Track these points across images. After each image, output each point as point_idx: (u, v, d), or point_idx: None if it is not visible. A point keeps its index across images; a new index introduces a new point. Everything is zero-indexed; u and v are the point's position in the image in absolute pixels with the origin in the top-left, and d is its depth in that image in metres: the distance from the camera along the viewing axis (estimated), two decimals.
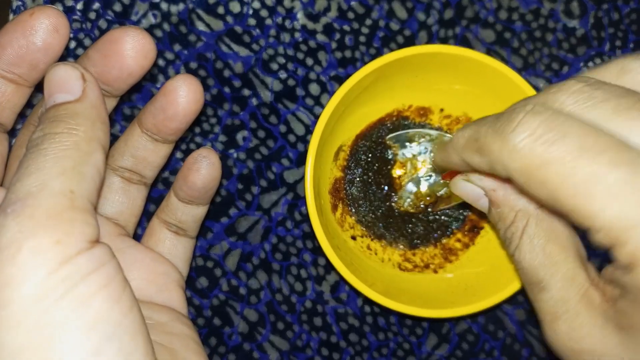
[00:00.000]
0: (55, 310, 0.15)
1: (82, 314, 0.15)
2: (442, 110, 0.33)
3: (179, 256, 0.28)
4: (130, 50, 0.22)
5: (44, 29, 0.20)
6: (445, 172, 0.29)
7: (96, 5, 0.34)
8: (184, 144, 0.34)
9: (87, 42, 0.34)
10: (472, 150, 0.20)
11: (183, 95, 0.24)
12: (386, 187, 0.33)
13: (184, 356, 0.23)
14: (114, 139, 0.34)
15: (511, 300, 0.35)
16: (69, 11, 0.34)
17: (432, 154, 0.33)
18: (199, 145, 0.34)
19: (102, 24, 0.34)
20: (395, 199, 0.33)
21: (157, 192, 0.34)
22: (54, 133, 0.18)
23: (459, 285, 0.31)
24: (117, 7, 0.34)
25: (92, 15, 0.34)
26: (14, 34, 0.20)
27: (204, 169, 0.26)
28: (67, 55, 0.34)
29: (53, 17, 0.21)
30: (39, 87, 0.22)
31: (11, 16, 0.33)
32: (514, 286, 0.28)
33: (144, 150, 0.26)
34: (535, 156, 0.17)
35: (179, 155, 0.34)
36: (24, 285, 0.15)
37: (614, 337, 0.18)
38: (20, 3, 0.33)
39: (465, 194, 0.23)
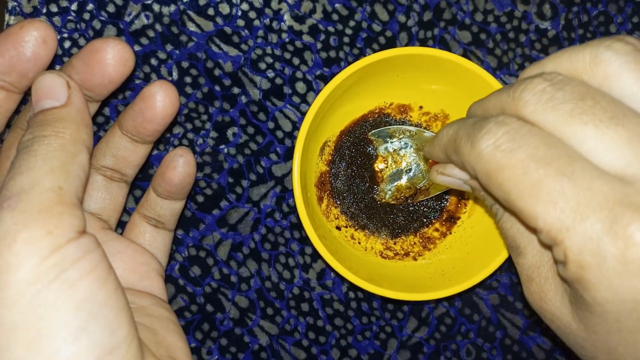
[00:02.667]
0: (46, 292, 0.17)
1: (70, 295, 0.17)
2: (421, 107, 0.35)
3: (158, 247, 0.30)
4: (111, 59, 0.24)
5: (33, 41, 0.22)
6: (430, 161, 0.31)
7: (90, 6, 0.35)
8: (177, 140, 0.36)
9: (81, 41, 0.35)
10: (451, 149, 0.22)
11: (160, 100, 0.26)
12: (369, 180, 0.35)
13: (164, 335, 0.25)
14: None
15: (485, 285, 0.37)
16: (63, 12, 0.35)
17: (412, 148, 0.35)
18: (191, 142, 0.36)
19: (96, 24, 0.35)
20: (378, 192, 0.35)
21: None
22: (42, 136, 0.19)
23: (436, 271, 0.33)
24: (111, 8, 0.35)
25: (86, 16, 0.35)
26: (5, 45, 0.22)
27: (180, 166, 0.28)
28: (62, 55, 0.35)
29: (42, 29, 0.22)
30: (27, 93, 0.24)
31: (7, 16, 0.34)
32: (487, 271, 0.30)
33: (125, 150, 0.28)
34: (494, 161, 0.19)
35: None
36: (19, 270, 0.17)
37: (567, 306, 0.21)
38: (15, 4, 0.35)
39: (448, 183, 0.25)
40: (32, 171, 0.18)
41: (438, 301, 0.37)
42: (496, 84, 0.30)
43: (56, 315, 0.17)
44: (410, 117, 0.35)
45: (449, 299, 0.37)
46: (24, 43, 0.22)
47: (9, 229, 0.17)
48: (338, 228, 0.35)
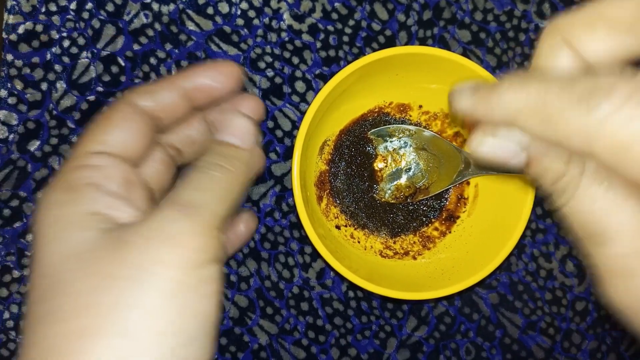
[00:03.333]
0: (182, 297, 0.20)
1: (199, 306, 0.20)
2: (420, 106, 0.35)
3: None
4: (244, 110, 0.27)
5: (226, 76, 0.26)
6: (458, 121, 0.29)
7: (89, 5, 0.35)
8: None
9: (80, 41, 0.35)
10: (534, 117, 0.16)
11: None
12: (368, 180, 0.35)
13: None
14: None
15: (485, 284, 0.37)
16: (62, 11, 0.35)
17: (412, 147, 0.35)
18: None
19: (95, 23, 0.35)
20: (377, 191, 0.35)
21: None
22: (223, 167, 0.23)
23: (436, 270, 0.33)
24: (110, 7, 0.35)
25: (86, 15, 0.35)
26: (209, 70, 0.26)
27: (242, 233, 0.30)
28: (61, 54, 0.35)
29: (237, 71, 0.26)
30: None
31: (6, 15, 0.34)
32: (486, 270, 0.30)
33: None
34: (632, 132, 0.14)
35: None
36: (169, 269, 0.20)
37: None
38: (14, 2, 0.34)
39: (494, 154, 0.19)
40: (209, 193, 0.22)
41: (437, 300, 0.37)
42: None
43: (180, 319, 0.20)
44: (410, 116, 0.35)
45: (449, 298, 0.37)
46: (219, 75, 0.26)
47: (178, 230, 0.20)
48: (338, 227, 0.35)
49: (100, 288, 0.19)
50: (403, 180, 0.35)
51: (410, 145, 0.35)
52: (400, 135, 0.35)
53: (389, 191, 0.35)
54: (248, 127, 0.25)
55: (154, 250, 0.20)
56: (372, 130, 0.35)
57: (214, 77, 0.26)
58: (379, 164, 0.35)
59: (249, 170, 0.24)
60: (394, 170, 0.35)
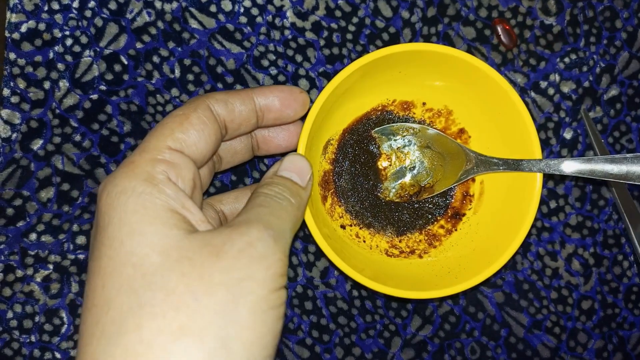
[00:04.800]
0: (261, 315, 0.21)
1: (276, 324, 0.21)
2: (424, 104, 0.35)
3: None
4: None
5: (300, 106, 0.29)
6: None
7: (92, 4, 0.35)
8: None
9: (83, 39, 0.35)
10: None
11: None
12: (373, 179, 0.35)
13: None
14: (110, 133, 0.35)
15: (490, 283, 0.37)
16: (65, 9, 0.35)
17: (416, 145, 0.35)
18: None
19: (98, 21, 0.35)
20: (381, 190, 0.35)
21: None
22: (291, 201, 0.25)
23: (442, 269, 0.33)
24: (112, 5, 0.35)
25: (88, 13, 0.35)
26: (285, 93, 0.28)
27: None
28: (64, 52, 0.35)
29: (307, 102, 0.29)
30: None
31: (9, 14, 0.34)
32: (493, 268, 0.30)
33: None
34: None
35: None
36: (263, 288, 0.21)
37: None
38: (17, 1, 0.34)
39: None
40: (284, 221, 0.23)
41: (443, 299, 0.37)
42: (501, 80, 0.30)
43: (266, 335, 0.21)
44: (414, 113, 0.35)
45: (454, 297, 0.37)
46: (293, 103, 0.29)
47: (267, 252, 0.21)
48: (343, 227, 0.35)
49: (198, 290, 0.20)
50: (407, 178, 0.35)
51: (415, 144, 0.35)
52: (404, 134, 0.35)
53: (394, 190, 0.35)
54: (307, 169, 0.27)
55: (247, 265, 0.21)
56: (376, 129, 0.34)
57: (289, 103, 0.28)
58: (383, 163, 0.35)
59: (305, 206, 0.26)
60: (398, 168, 0.35)
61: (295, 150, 0.30)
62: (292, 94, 0.28)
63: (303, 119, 0.30)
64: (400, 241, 0.35)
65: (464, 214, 0.35)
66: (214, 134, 0.25)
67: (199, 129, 0.24)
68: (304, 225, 0.36)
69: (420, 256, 0.34)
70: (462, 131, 0.35)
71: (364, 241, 0.35)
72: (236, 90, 0.27)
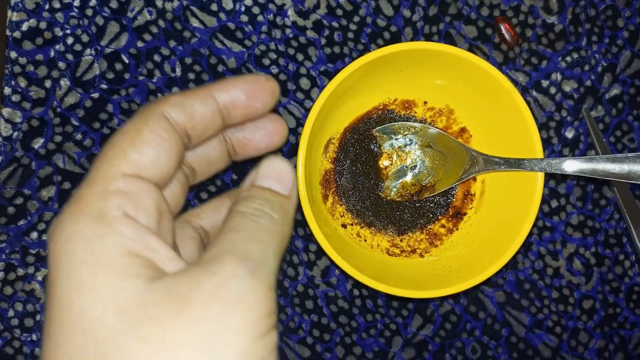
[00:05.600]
0: None
1: None
2: (425, 103, 0.35)
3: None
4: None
5: (268, 94, 0.24)
6: None
7: (93, 2, 0.35)
8: None
9: (84, 38, 0.35)
10: None
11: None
12: (374, 178, 0.35)
13: None
14: (111, 131, 0.35)
15: (491, 282, 0.37)
16: (66, 8, 0.35)
17: (417, 144, 0.35)
18: None
19: (99, 20, 0.35)
20: (382, 189, 0.35)
21: None
22: (273, 217, 0.20)
23: (443, 268, 0.33)
24: (114, 4, 0.35)
25: (89, 12, 0.35)
26: (248, 84, 0.23)
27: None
28: (65, 51, 0.35)
29: (277, 88, 0.24)
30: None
31: (10, 12, 0.34)
32: (494, 268, 0.30)
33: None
34: None
35: None
36: (244, 338, 0.17)
37: None
38: (18, 0, 0.34)
39: None
40: (264, 245, 0.19)
41: (444, 298, 0.37)
42: (502, 79, 0.30)
43: None
44: (415, 112, 0.35)
45: (455, 296, 0.37)
46: (260, 93, 0.24)
47: (244, 291, 0.17)
48: (344, 226, 0.35)
49: (164, 357, 0.16)
50: (409, 178, 0.35)
51: (416, 143, 0.35)
52: (406, 133, 0.34)
53: (395, 189, 0.35)
54: (289, 173, 0.23)
55: (221, 312, 0.17)
56: (377, 128, 0.34)
57: (256, 95, 0.23)
58: (384, 162, 0.35)
59: (292, 219, 0.22)
60: (399, 167, 0.35)
61: (278, 152, 0.28)
62: (258, 83, 0.24)
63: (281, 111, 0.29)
64: (401, 240, 0.35)
65: (465, 213, 0.35)
66: (174, 146, 0.21)
67: (156, 145, 0.20)
68: (305, 224, 0.36)
69: (421, 255, 0.34)
70: (463, 130, 0.35)
71: (365, 240, 0.35)
72: (193, 90, 0.23)
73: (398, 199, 0.35)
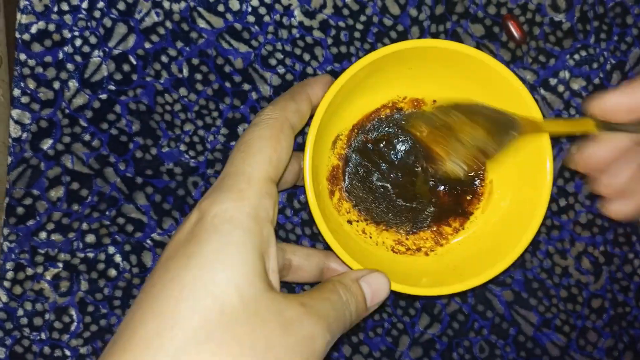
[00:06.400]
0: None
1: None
2: (434, 101, 0.35)
3: None
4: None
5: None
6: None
7: (101, 4, 0.35)
8: (187, 137, 0.36)
9: (92, 39, 0.35)
10: None
11: None
12: (382, 175, 0.35)
13: None
14: (119, 132, 0.36)
15: (499, 281, 0.37)
16: (74, 10, 0.35)
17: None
18: (201, 139, 0.36)
19: (107, 22, 0.35)
20: (389, 188, 0.35)
21: (163, 183, 0.35)
22: (351, 312, 0.25)
23: (448, 267, 0.33)
24: (121, 6, 0.35)
25: (97, 14, 0.35)
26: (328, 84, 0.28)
27: None
28: (73, 52, 0.35)
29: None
30: None
31: (19, 15, 0.35)
32: (499, 267, 0.30)
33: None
34: None
35: (182, 147, 0.36)
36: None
37: None
38: (27, 2, 0.35)
39: None
40: (338, 329, 0.24)
41: (451, 297, 0.37)
42: (511, 77, 0.30)
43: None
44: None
45: (462, 295, 0.37)
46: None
47: (320, 351, 0.22)
48: (349, 222, 0.35)
49: (259, 356, 0.20)
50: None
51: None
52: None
53: (458, 163, 0.32)
54: (384, 295, 0.27)
55: (303, 353, 0.21)
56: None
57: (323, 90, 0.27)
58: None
59: (355, 323, 0.26)
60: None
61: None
62: (323, 81, 0.28)
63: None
64: (407, 238, 0.35)
65: (471, 213, 0.35)
66: (291, 152, 0.24)
67: (287, 153, 0.24)
68: (311, 223, 0.36)
69: (426, 254, 0.34)
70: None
71: (370, 237, 0.35)
72: (292, 92, 0.26)
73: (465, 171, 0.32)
